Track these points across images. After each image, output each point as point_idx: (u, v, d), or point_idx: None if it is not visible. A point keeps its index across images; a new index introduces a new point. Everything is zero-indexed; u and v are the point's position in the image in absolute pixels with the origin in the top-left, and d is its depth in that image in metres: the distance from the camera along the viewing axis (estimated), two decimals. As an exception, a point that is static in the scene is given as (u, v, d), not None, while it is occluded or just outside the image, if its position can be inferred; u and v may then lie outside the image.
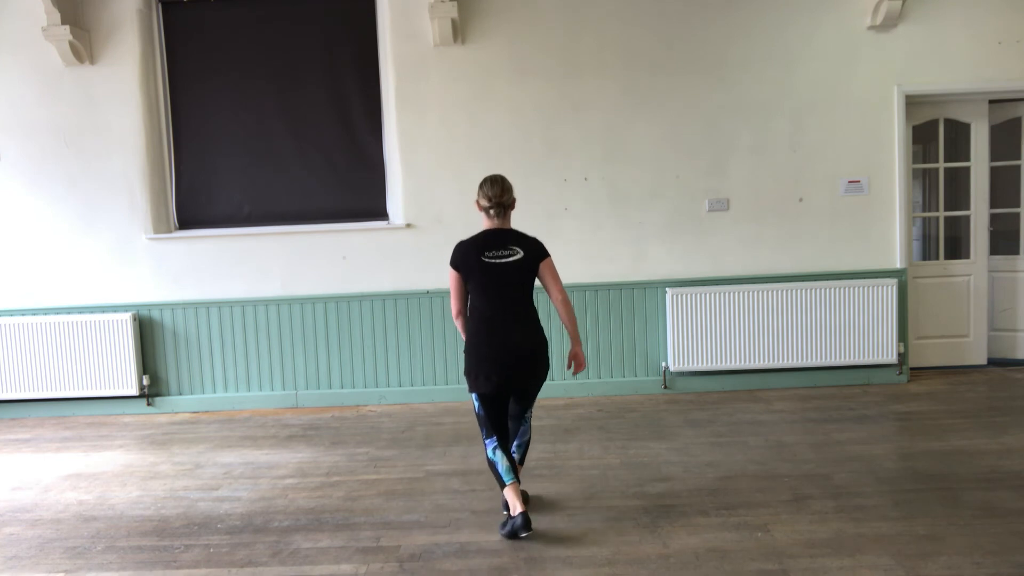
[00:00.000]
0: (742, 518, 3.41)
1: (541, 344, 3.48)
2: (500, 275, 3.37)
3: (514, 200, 3.50)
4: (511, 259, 3.38)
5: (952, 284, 6.26)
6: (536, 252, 3.44)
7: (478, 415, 3.47)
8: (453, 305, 3.50)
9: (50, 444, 5.22)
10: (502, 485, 3.35)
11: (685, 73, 5.81)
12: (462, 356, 5.82)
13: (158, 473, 4.46)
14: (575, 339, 3.54)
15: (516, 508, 3.26)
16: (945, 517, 3.34)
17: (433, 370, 5.96)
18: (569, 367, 3.59)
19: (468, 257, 3.40)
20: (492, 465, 3.40)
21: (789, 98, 5.82)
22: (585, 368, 3.70)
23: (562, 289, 3.48)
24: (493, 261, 3.37)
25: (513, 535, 3.25)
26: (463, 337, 3.54)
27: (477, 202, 3.48)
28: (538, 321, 3.51)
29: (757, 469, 4.06)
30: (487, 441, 3.43)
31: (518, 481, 3.35)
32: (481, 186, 3.46)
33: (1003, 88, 5.87)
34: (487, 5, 5.78)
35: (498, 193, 3.42)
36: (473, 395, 3.47)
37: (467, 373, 3.46)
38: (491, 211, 3.43)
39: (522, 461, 3.64)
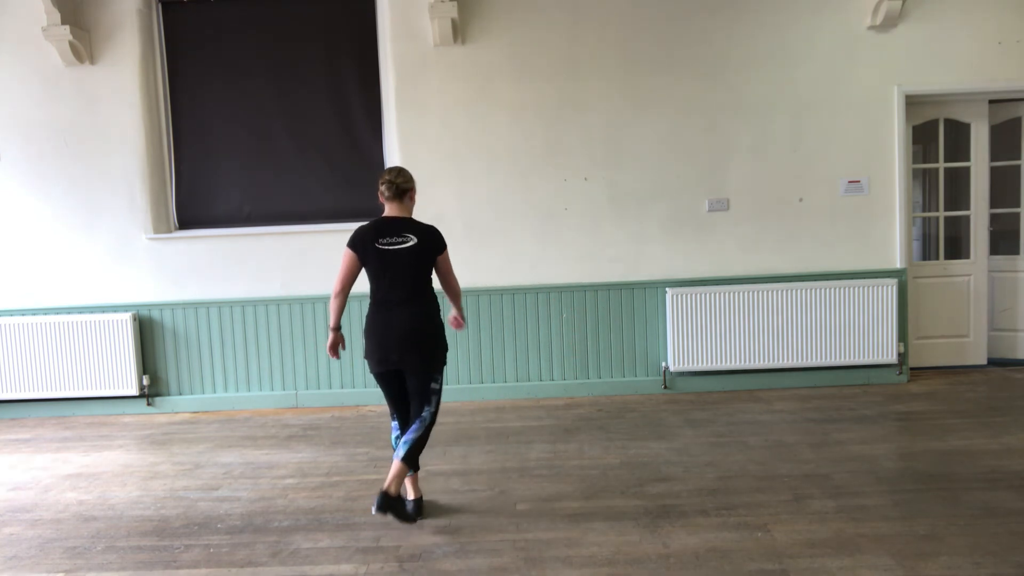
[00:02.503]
0: (742, 518, 3.41)
1: (427, 326, 3.53)
2: (393, 261, 3.46)
3: (412, 189, 3.59)
4: (404, 246, 3.46)
5: (952, 284, 6.26)
6: (432, 242, 3.53)
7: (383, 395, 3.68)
8: (336, 283, 3.57)
9: (50, 444, 5.22)
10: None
11: (685, 73, 5.81)
12: (461, 356, 5.88)
13: (158, 473, 4.46)
14: (457, 307, 3.79)
15: (384, 484, 3.30)
16: (945, 517, 3.34)
17: (433, 370, 5.95)
18: (452, 324, 3.81)
19: (365, 241, 3.49)
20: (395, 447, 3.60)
21: (789, 98, 5.82)
22: (464, 328, 3.93)
23: (454, 278, 3.69)
24: (386, 248, 3.46)
25: (376, 510, 3.24)
26: (331, 319, 3.59)
27: (379, 192, 3.56)
28: (431, 307, 3.57)
29: (757, 469, 4.06)
30: (392, 424, 3.67)
31: (403, 464, 3.38)
32: (382, 174, 3.57)
33: (1003, 88, 5.87)
34: (487, 5, 5.78)
35: (394, 175, 3.53)
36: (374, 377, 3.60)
37: (365, 355, 3.57)
38: (386, 192, 3.51)
39: (409, 460, 3.43)
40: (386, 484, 3.28)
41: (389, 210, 3.56)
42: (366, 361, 3.62)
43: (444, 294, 3.77)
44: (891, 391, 5.68)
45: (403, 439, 3.50)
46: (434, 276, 3.63)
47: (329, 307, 3.65)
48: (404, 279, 3.48)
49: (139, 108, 5.89)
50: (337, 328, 3.61)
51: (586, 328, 5.90)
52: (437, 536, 3.36)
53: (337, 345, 3.62)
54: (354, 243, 3.52)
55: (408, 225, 3.51)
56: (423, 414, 3.53)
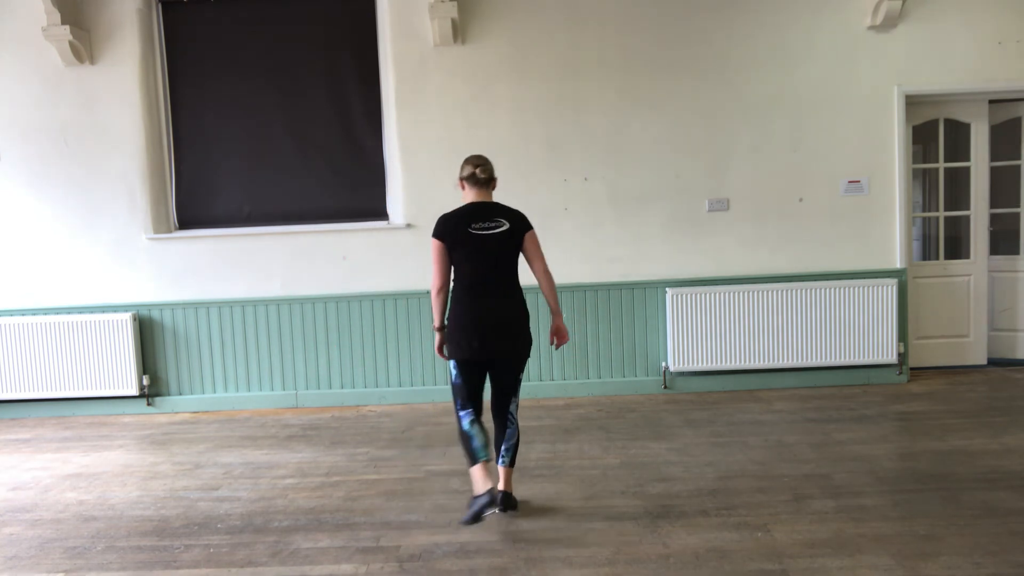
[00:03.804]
0: (742, 518, 3.41)
1: (523, 315, 3.48)
2: (486, 246, 3.38)
3: (495, 178, 3.54)
4: (497, 230, 3.39)
5: (952, 284, 6.26)
6: (521, 224, 3.48)
7: (454, 385, 3.47)
8: (436, 278, 3.41)
9: (50, 444, 5.22)
10: (473, 461, 3.32)
11: (685, 73, 5.81)
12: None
13: (158, 473, 4.46)
14: (556, 312, 3.56)
15: (482, 487, 3.22)
16: (945, 517, 3.34)
17: (433, 370, 5.95)
18: (552, 342, 3.60)
19: (455, 228, 3.39)
20: (466, 440, 3.36)
21: (789, 98, 5.82)
22: (568, 341, 3.67)
23: (544, 261, 3.52)
24: (480, 232, 3.38)
25: (477, 516, 3.20)
26: (435, 318, 3.45)
27: (461, 178, 3.49)
28: (522, 294, 3.50)
29: (757, 469, 4.06)
30: (462, 413, 3.42)
31: (490, 460, 3.32)
32: (466, 160, 3.51)
33: (1003, 88, 5.87)
34: (487, 5, 5.78)
35: (482, 162, 3.48)
36: (451, 364, 3.45)
37: (448, 342, 3.43)
38: (477, 174, 3.43)
39: (512, 463, 3.53)
40: (487, 483, 3.23)
41: (476, 196, 3.47)
42: (446, 346, 3.44)
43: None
44: (891, 391, 5.68)
45: (505, 446, 3.48)
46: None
47: (433, 305, 3.46)
48: (498, 264, 3.40)
49: (139, 108, 5.89)
50: (443, 327, 3.45)
51: (586, 328, 5.90)
52: (437, 536, 3.36)
53: (443, 345, 3.47)
54: (441, 232, 3.42)
55: (499, 210, 3.46)
56: (511, 409, 3.50)
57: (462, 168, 3.51)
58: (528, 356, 3.54)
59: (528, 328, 3.51)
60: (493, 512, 3.25)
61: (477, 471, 3.30)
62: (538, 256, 3.50)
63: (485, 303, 3.38)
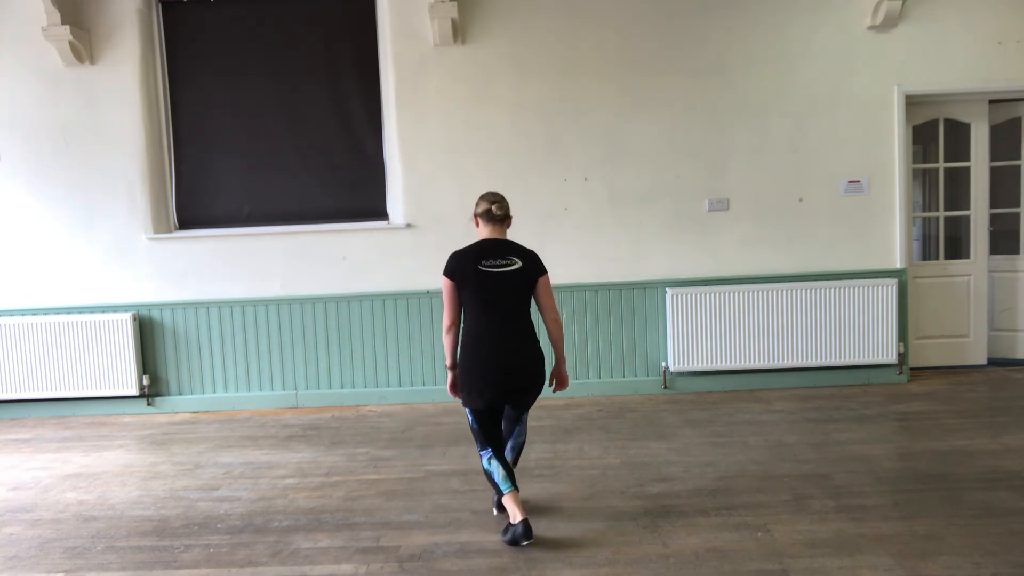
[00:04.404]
0: (742, 518, 3.41)
1: (537, 358, 3.39)
2: (497, 285, 3.29)
3: (511, 216, 3.48)
4: (509, 268, 3.30)
5: (952, 284, 6.26)
6: (534, 265, 3.38)
7: (472, 428, 3.41)
8: (446, 317, 3.35)
9: (50, 444, 5.22)
10: (500, 494, 3.33)
11: (685, 73, 5.81)
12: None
13: (158, 473, 4.46)
14: (561, 359, 3.53)
15: (516, 516, 3.22)
16: (945, 517, 3.34)
17: (433, 370, 5.95)
18: (551, 384, 3.57)
19: (464, 265, 3.31)
20: (488, 476, 3.36)
21: (789, 98, 5.82)
22: (567, 387, 3.63)
23: (555, 309, 3.45)
24: (491, 270, 3.29)
25: (514, 543, 3.22)
26: (447, 356, 3.39)
27: (476, 215, 3.45)
28: (534, 334, 3.42)
29: (757, 469, 4.06)
30: (482, 452, 3.38)
31: (516, 488, 3.31)
32: (482, 197, 3.46)
33: (1003, 88, 5.87)
34: (487, 5, 5.78)
35: (499, 198, 3.43)
36: (468, 412, 3.41)
37: (461, 388, 3.37)
38: (493, 211, 3.38)
39: (515, 462, 3.56)
40: (520, 514, 3.20)
41: (490, 232, 3.40)
42: (461, 394, 3.37)
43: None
44: (891, 391, 5.68)
45: (510, 444, 3.51)
46: None
47: (444, 345, 3.38)
48: (509, 304, 3.31)
49: (139, 108, 5.89)
50: (455, 366, 3.38)
51: (586, 328, 5.90)
52: (437, 536, 3.36)
53: (455, 385, 3.41)
54: (451, 271, 3.33)
55: (512, 248, 3.37)
56: (522, 418, 3.52)
57: (477, 204, 3.44)
58: (540, 392, 3.47)
59: (542, 369, 3.41)
60: (528, 543, 3.21)
61: (507, 501, 3.27)
62: (550, 302, 3.42)
63: (495, 353, 3.29)
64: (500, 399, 3.34)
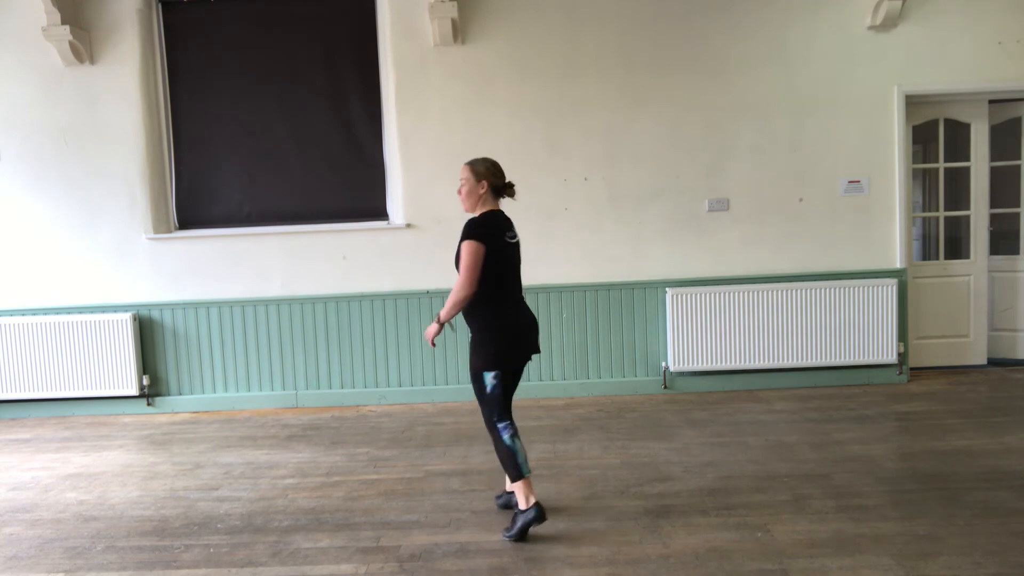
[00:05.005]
0: (742, 518, 3.41)
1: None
2: (515, 255, 3.45)
3: None
4: (516, 240, 3.47)
5: (952, 284, 6.26)
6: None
7: (493, 396, 3.31)
8: (469, 283, 3.22)
9: (50, 444, 5.22)
10: (519, 476, 3.25)
11: (685, 73, 5.81)
12: (461, 356, 5.86)
13: (158, 473, 4.46)
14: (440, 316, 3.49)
15: (531, 499, 3.23)
16: (945, 517, 3.34)
17: (433, 370, 5.96)
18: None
19: (495, 234, 3.31)
20: (511, 455, 3.26)
21: (789, 98, 5.82)
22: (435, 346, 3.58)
23: None
24: (511, 242, 3.43)
25: (526, 529, 3.22)
26: (448, 314, 3.29)
27: (488, 183, 3.38)
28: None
29: (757, 469, 4.06)
30: (503, 426, 3.30)
31: (530, 472, 3.35)
32: (497, 167, 3.44)
33: (1003, 88, 5.86)
34: (487, 5, 5.78)
35: (503, 172, 3.49)
36: (491, 376, 3.30)
37: (505, 348, 3.32)
38: (502, 190, 3.42)
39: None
40: (534, 497, 3.25)
41: (495, 205, 3.44)
42: (502, 355, 3.32)
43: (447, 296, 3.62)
44: (891, 391, 5.68)
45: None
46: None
47: (455, 304, 3.27)
48: (519, 274, 3.49)
49: (139, 108, 5.89)
50: (447, 323, 3.37)
51: (586, 328, 5.90)
52: (437, 536, 3.36)
53: (437, 334, 3.40)
54: (486, 236, 3.27)
55: (510, 221, 3.50)
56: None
57: (495, 174, 3.40)
58: None
59: None
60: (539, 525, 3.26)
61: (524, 486, 3.25)
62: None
63: (524, 310, 3.46)
64: (531, 352, 3.45)
